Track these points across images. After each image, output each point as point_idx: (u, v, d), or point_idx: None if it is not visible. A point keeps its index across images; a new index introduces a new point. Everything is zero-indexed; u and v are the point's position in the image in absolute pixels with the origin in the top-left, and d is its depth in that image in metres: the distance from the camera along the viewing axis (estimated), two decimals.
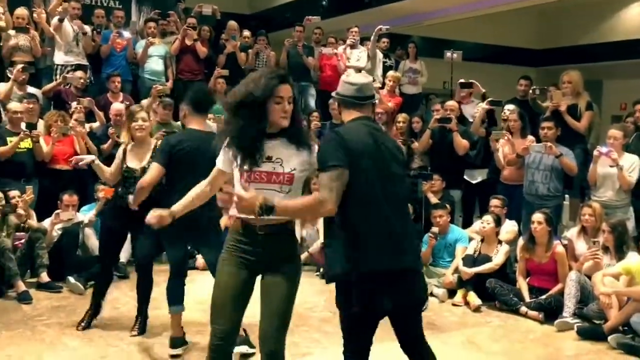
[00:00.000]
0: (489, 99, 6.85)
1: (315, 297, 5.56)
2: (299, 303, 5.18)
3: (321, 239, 6.62)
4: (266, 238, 2.66)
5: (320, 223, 6.71)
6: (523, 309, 5.03)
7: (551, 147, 5.79)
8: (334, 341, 4.32)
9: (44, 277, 5.42)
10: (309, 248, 6.57)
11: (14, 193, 5.65)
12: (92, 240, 5.98)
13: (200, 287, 5.24)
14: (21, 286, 5.14)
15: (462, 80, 7.40)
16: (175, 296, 3.94)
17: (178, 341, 3.97)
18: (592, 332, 4.54)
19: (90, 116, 6.99)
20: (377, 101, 2.73)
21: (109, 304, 5.06)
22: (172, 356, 3.92)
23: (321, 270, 6.27)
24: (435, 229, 5.79)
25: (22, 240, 5.57)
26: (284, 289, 2.67)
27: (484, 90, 7.11)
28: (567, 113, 6.47)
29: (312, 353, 4.08)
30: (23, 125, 5.98)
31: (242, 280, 2.70)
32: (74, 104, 6.74)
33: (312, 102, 8.65)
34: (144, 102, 7.13)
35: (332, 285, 5.96)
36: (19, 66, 6.73)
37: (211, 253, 3.68)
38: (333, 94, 2.87)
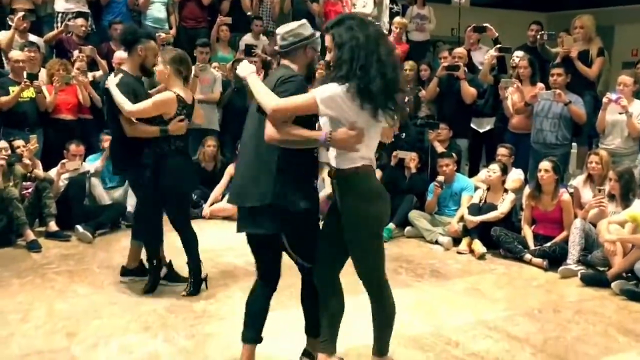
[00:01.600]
0: (498, 46, 6.70)
1: None
2: None
3: (327, 189, 6.63)
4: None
5: (325, 172, 6.71)
6: (527, 256, 5.06)
7: (560, 95, 5.70)
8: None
9: (53, 226, 5.48)
10: None
11: (18, 142, 5.64)
12: (99, 190, 6.01)
13: (206, 236, 5.30)
14: (30, 235, 5.20)
15: (474, 24, 7.22)
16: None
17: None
18: (595, 279, 4.58)
19: (93, 65, 6.91)
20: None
21: (118, 252, 5.13)
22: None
23: None
24: (440, 178, 5.78)
25: (30, 190, 5.60)
26: None
27: (497, 34, 6.93)
28: (578, 59, 6.35)
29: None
30: (25, 75, 5.92)
31: None
32: (75, 53, 6.65)
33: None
34: None
35: None
36: (20, 14, 6.60)
37: None
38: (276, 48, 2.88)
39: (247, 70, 2.81)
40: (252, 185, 2.73)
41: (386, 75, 2.58)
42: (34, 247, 5.12)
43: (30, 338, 3.44)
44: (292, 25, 2.81)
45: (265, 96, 2.63)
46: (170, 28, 7.79)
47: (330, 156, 2.75)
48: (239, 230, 2.86)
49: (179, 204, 4.15)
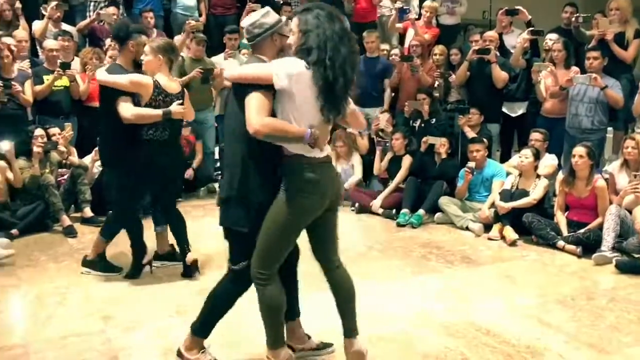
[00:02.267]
0: (530, 29, 6.56)
1: (349, 232, 5.62)
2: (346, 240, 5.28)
3: (357, 175, 6.64)
4: None
5: (355, 159, 6.71)
6: (560, 243, 4.99)
7: (596, 79, 5.57)
8: (368, 274, 4.41)
9: (87, 212, 5.60)
10: (345, 184, 6.58)
11: (54, 130, 5.76)
12: None
13: None
14: (66, 220, 5.33)
15: (506, 7, 7.07)
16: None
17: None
18: (631, 266, 4.49)
19: None
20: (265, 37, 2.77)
21: (150, 237, 5.18)
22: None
23: (356, 205, 6.31)
24: (471, 164, 5.72)
25: (65, 177, 5.73)
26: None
27: (529, 17, 6.79)
28: (614, 42, 6.18)
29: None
30: (58, 64, 6.02)
31: None
32: (107, 41, 6.74)
33: None
34: (177, 37, 7.08)
35: (368, 221, 6.08)
36: (53, 3, 6.72)
37: None
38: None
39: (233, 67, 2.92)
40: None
41: (346, 75, 2.59)
42: (69, 232, 5.25)
43: (67, 321, 3.54)
44: (256, 16, 2.78)
45: (234, 70, 2.77)
46: (200, 15, 7.83)
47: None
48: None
49: (131, 190, 4.18)
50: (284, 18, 2.91)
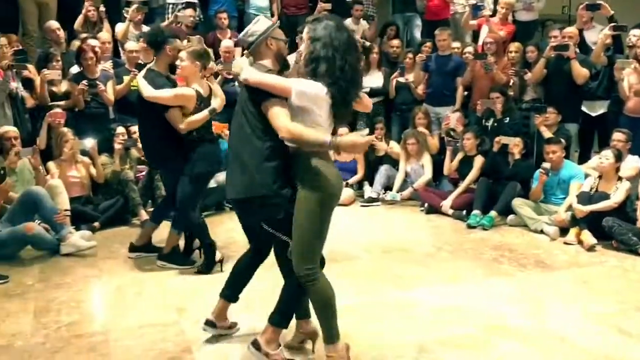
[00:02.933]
0: (613, 24, 6.26)
1: (418, 232, 5.56)
2: (404, 238, 5.25)
3: (427, 175, 6.56)
4: None
5: (425, 158, 6.63)
6: None
7: None
8: (437, 275, 4.36)
9: None
10: (414, 183, 6.53)
11: (135, 128, 6.01)
12: None
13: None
14: (144, 215, 5.55)
15: (587, 2, 6.78)
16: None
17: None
18: None
19: None
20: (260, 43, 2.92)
21: (223, 232, 5.36)
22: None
23: (425, 205, 6.24)
24: (546, 165, 5.54)
25: (143, 173, 5.98)
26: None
27: (612, 12, 6.48)
28: None
29: (415, 287, 4.11)
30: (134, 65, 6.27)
31: None
32: (184, 42, 6.96)
33: (417, 34, 8.35)
34: None
35: (437, 221, 6.00)
36: (134, 6, 7.01)
37: None
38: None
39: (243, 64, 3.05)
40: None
41: (355, 83, 2.74)
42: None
43: (144, 311, 3.70)
44: (249, 26, 2.95)
45: (251, 73, 2.79)
46: (272, 15, 7.95)
47: None
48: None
49: (191, 188, 4.27)
50: (349, 21, 3.01)
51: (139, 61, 6.37)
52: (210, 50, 7.13)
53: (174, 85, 4.32)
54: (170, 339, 3.32)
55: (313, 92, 2.68)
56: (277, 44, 2.96)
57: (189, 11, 7.36)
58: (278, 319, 2.97)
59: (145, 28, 7.22)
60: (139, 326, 3.47)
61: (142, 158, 6.02)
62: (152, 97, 4.12)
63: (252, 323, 3.50)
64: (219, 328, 3.28)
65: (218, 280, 4.18)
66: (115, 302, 3.88)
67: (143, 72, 4.35)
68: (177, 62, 4.23)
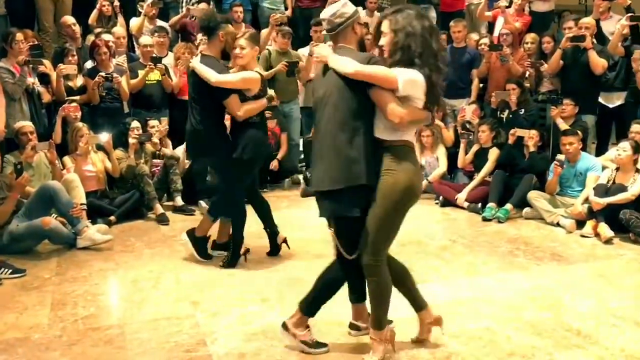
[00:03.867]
0: (630, 14, 6.16)
1: (433, 225, 5.54)
2: (419, 231, 5.24)
3: (442, 167, 6.52)
4: None
5: (440, 151, 6.59)
6: None
7: None
8: (452, 268, 4.34)
9: (179, 201, 5.85)
10: (429, 176, 6.49)
11: (153, 122, 6.06)
12: None
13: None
14: (159, 209, 5.59)
15: None
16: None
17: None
18: None
19: None
20: (354, 23, 2.88)
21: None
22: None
23: (440, 198, 6.21)
24: (561, 156, 5.48)
25: (159, 167, 6.01)
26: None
27: (629, 2, 6.37)
28: None
29: (430, 280, 4.10)
30: (150, 59, 6.30)
31: None
32: (199, 36, 6.96)
33: None
34: (264, 31, 7.22)
35: (452, 214, 5.99)
36: (149, 1, 7.03)
37: None
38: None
39: (326, 51, 2.89)
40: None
41: (440, 70, 2.75)
42: (162, 220, 5.51)
43: (159, 304, 3.72)
44: (336, 6, 2.87)
45: (344, 62, 2.75)
46: (286, 9, 7.94)
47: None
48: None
49: (241, 174, 4.26)
50: (361, 10, 2.99)
51: (153, 55, 6.39)
52: None
53: (228, 71, 4.24)
54: (185, 331, 3.35)
55: (416, 79, 2.71)
56: (361, 29, 2.94)
57: (203, 5, 7.35)
58: (306, 308, 3.05)
59: (160, 22, 7.26)
60: (155, 319, 3.50)
61: (158, 152, 6.06)
62: (220, 82, 4.02)
63: (267, 316, 3.52)
64: (363, 329, 3.21)
65: (233, 273, 4.23)
66: (131, 295, 3.91)
67: (197, 58, 4.23)
68: (237, 50, 4.14)
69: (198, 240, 4.44)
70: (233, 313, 3.58)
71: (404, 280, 3.05)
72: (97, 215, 5.35)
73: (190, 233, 4.45)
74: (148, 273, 4.26)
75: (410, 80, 2.69)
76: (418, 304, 3.11)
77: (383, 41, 2.78)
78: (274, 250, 4.54)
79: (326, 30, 2.93)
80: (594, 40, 6.26)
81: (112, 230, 5.19)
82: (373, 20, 7.72)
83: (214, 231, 4.56)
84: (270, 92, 4.34)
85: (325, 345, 3.10)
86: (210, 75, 4.01)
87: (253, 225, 4.54)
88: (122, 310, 3.70)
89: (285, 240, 4.54)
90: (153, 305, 3.71)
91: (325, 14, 2.89)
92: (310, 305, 3.06)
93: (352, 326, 3.25)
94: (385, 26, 2.78)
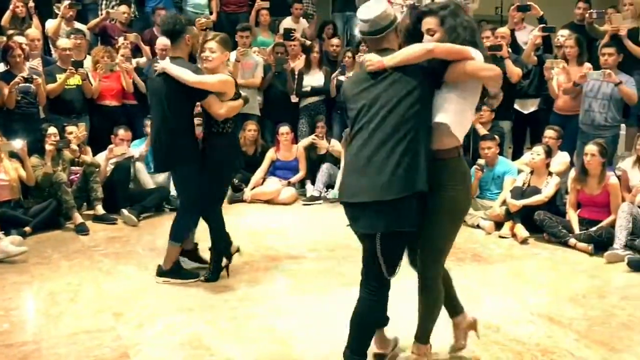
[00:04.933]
0: (542, 25, 6.50)
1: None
2: (347, 235, 5.29)
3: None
4: None
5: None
6: (572, 240, 4.95)
7: (610, 75, 5.50)
8: None
9: (99, 209, 5.64)
10: None
11: (71, 129, 5.81)
12: (144, 174, 6.16)
13: (248, 219, 5.36)
14: (78, 218, 5.37)
15: (518, 3, 7.00)
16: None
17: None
18: None
19: (136, 51, 7.03)
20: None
21: (162, 235, 5.23)
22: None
23: None
24: (481, 161, 5.69)
25: (78, 175, 5.78)
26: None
27: (542, 13, 6.72)
28: (627, 37, 6.11)
29: (358, 284, 4.13)
30: (71, 63, 6.07)
31: None
32: (120, 40, 6.78)
33: (357, 33, 8.42)
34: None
35: None
36: (66, 2, 6.76)
37: None
38: (356, 33, 2.82)
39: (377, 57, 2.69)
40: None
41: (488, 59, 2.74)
42: (82, 229, 5.29)
43: (78, 317, 3.57)
44: (379, 7, 2.68)
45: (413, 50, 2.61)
46: (211, 13, 7.84)
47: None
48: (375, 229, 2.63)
49: (215, 186, 4.08)
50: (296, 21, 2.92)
51: (73, 58, 6.16)
52: (148, 48, 7.00)
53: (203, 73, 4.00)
54: (106, 344, 3.23)
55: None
56: (399, 36, 2.77)
57: (123, 7, 7.16)
58: (353, 357, 2.77)
59: (78, 25, 7.00)
60: (74, 333, 3.35)
61: (76, 159, 5.82)
62: (197, 82, 3.77)
63: (193, 326, 3.45)
64: (390, 357, 3.06)
65: (153, 283, 4.11)
66: (47, 309, 3.72)
67: (167, 61, 3.96)
68: (207, 53, 3.89)
69: (173, 271, 4.12)
70: (157, 324, 3.48)
71: (448, 286, 2.99)
72: (11, 226, 5.05)
73: (162, 272, 4.12)
74: (66, 285, 4.08)
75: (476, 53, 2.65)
76: (455, 308, 3.06)
77: (429, 38, 2.65)
78: (214, 274, 4.17)
79: (366, 33, 2.70)
80: (509, 50, 6.55)
81: (27, 242, 4.92)
82: (299, 27, 7.78)
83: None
84: (244, 94, 4.14)
85: None
86: (187, 76, 3.76)
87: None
88: (38, 326, 3.52)
89: (227, 267, 4.23)
90: (72, 318, 3.56)
91: (368, 14, 2.66)
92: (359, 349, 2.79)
93: (378, 357, 3.05)
94: (432, 24, 2.66)
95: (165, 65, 3.87)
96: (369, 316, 2.79)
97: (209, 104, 3.88)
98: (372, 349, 2.95)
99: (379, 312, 2.85)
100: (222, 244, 4.17)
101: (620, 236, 4.70)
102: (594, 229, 4.94)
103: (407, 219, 2.58)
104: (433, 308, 2.87)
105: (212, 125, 3.97)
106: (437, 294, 2.84)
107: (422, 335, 2.91)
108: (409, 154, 2.54)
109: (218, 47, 3.91)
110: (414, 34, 2.73)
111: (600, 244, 4.83)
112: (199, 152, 4.00)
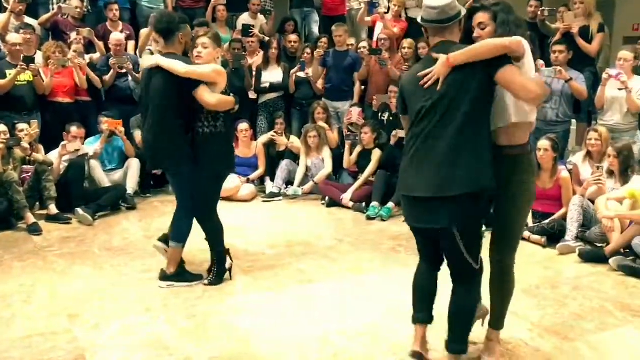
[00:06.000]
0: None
1: (320, 225, 5.63)
2: (307, 232, 5.31)
3: (327, 169, 6.65)
4: None
5: (325, 152, 6.71)
6: (526, 233, 5.06)
7: (562, 71, 5.67)
8: (338, 267, 4.43)
9: (53, 209, 5.50)
10: (314, 178, 6.59)
11: (22, 126, 5.64)
12: (98, 172, 6.03)
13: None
14: (31, 218, 5.22)
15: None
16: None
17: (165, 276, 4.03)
18: (593, 255, 4.60)
19: (90, 47, 6.87)
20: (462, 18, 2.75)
21: (119, 234, 5.17)
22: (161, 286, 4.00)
23: (326, 199, 6.32)
24: None
25: (29, 173, 5.61)
26: None
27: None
28: (578, 35, 6.30)
29: (318, 280, 4.17)
30: (21, 58, 5.89)
31: None
32: (72, 35, 6.61)
33: (315, 29, 8.44)
34: (143, 31, 6.99)
35: (338, 214, 6.05)
36: None
37: None
38: (419, 19, 2.79)
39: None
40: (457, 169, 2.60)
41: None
42: (34, 230, 5.15)
43: (32, 320, 3.47)
44: None
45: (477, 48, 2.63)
46: (166, 8, 7.71)
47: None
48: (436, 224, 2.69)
49: (210, 187, 3.96)
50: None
51: (23, 54, 5.98)
52: (101, 44, 6.85)
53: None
54: (62, 347, 3.15)
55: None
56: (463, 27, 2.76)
57: (75, 2, 6.98)
58: (458, 347, 2.87)
59: (28, 19, 6.79)
60: (27, 336, 3.26)
61: (28, 157, 5.66)
62: (190, 72, 3.67)
63: (152, 326, 3.40)
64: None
65: (114, 283, 4.04)
66: (0, 312, 3.62)
67: (157, 55, 3.87)
68: (199, 49, 3.80)
69: (178, 274, 4.01)
70: (114, 325, 3.42)
71: None
72: None
73: (166, 276, 4.00)
74: (19, 287, 3.96)
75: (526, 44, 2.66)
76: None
77: (481, 33, 2.70)
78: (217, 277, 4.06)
79: (432, 21, 2.69)
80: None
81: None
82: (257, 23, 7.74)
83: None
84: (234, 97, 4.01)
85: None
86: (179, 66, 3.67)
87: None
88: None
89: (230, 268, 4.13)
90: (25, 321, 3.46)
91: (437, 1, 2.65)
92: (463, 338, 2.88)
93: (417, 355, 2.96)
94: (484, 18, 2.72)
95: (156, 58, 3.79)
96: (467, 307, 2.87)
97: (200, 94, 3.71)
98: (413, 347, 2.98)
99: (475, 299, 2.94)
100: (222, 247, 4.05)
101: (572, 228, 4.85)
102: (546, 221, 5.08)
103: (484, 210, 2.77)
104: (507, 294, 2.99)
105: (205, 125, 3.83)
106: (511, 282, 2.98)
107: (499, 321, 3.02)
108: (483, 151, 2.62)
109: (210, 43, 3.84)
110: (466, 31, 2.79)
111: (553, 236, 4.97)
112: (188, 151, 3.83)
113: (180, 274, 4.02)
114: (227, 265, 4.08)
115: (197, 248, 4.22)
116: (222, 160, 3.94)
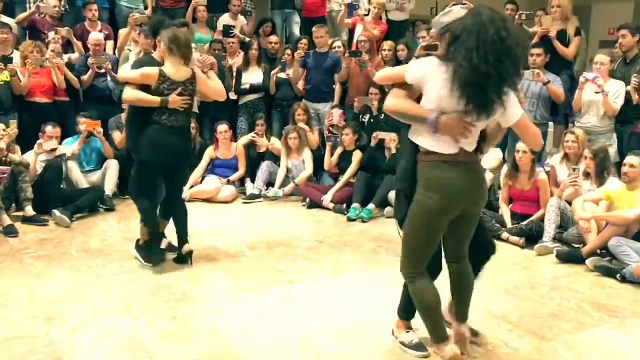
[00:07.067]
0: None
1: (301, 226, 5.63)
2: (287, 233, 5.30)
3: (308, 170, 6.65)
4: None
5: (306, 154, 6.72)
6: (504, 234, 5.13)
7: (539, 74, 5.74)
8: (319, 268, 4.43)
9: (29, 210, 5.41)
10: (295, 179, 6.59)
11: None
12: (76, 173, 5.95)
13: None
14: (6, 220, 5.13)
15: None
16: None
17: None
18: (570, 256, 4.66)
19: (68, 46, 6.79)
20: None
21: (96, 235, 5.11)
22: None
23: (307, 200, 6.32)
24: None
25: (5, 175, 5.52)
26: None
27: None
28: (556, 38, 6.39)
29: (298, 281, 4.16)
30: None
31: None
32: (50, 34, 6.53)
33: (296, 30, 8.44)
34: (122, 31, 6.93)
35: (319, 216, 6.07)
36: None
37: None
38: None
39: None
40: None
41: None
42: (10, 231, 5.06)
43: (9, 323, 3.42)
44: (457, 11, 2.93)
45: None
46: (146, 8, 7.66)
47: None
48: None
49: (139, 172, 4.29)
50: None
51: (0, 54, 5.89)
52: (80, 43, 6.77)
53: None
54: (40, 350, 3.10)
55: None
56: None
57: (53, 1, 6.89)
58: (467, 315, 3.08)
59: (5, 18, 6.69)
60: (4, 339, 3.20)
61: (3, 158, 5.56)
62: (121, 78, 4.47)
63: (132, 328, 3.37)
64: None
65: (93, 285, 3.99)
66: None
67: (131, 61, 4.53)
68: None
69: (139, 246, 4.45)
70: (94, 327, 3.37)
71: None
72: None
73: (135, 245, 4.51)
74: None
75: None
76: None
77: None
78: (180, 259, 4.41)
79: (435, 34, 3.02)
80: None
81: None
82: (237, 24, 7.71)
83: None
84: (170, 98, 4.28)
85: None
86: (119, 74, 4.46)
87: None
88: None
89: (189, 253, 4.37)
90: (2, 324, 3.40)
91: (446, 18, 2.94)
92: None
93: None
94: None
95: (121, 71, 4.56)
96: (473, 282, 3.10)
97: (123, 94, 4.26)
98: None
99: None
100: (150, 224, 4.31)
101: (549, 229, 4.92)
102: (524, 222, 5.14)
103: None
104: (417, 308, 3.04)
105: (152, 115, 4.18)
106: (411, 293, 3.02)
107: (466, 314, 3.09)
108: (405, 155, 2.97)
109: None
110: None
111: (531, 237, 5.03)
112: (139, 143, 4.22)
113: (140, 246, 4.42)
114: (163, 246, 4.35)
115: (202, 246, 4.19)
116: (147, 148, 4.19)
